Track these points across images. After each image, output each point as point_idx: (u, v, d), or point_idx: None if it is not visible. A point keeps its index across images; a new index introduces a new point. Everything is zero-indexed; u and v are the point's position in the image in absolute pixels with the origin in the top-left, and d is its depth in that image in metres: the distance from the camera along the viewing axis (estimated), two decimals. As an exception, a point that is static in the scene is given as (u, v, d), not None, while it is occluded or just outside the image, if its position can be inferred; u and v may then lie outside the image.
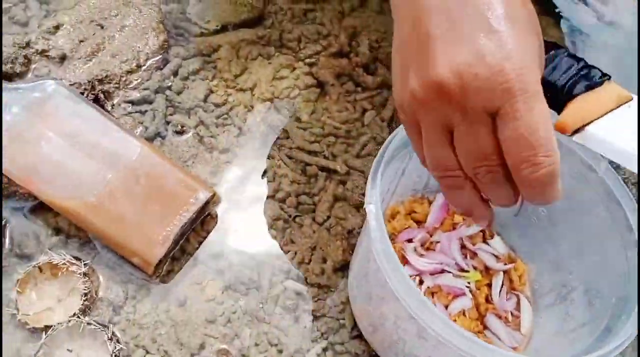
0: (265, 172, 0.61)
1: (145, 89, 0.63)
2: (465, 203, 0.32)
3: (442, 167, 0.31)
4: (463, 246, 0.52)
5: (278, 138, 0.64)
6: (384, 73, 0.70)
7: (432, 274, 0.49)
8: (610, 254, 0.42)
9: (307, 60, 0.71)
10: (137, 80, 0.64)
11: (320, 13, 0.76)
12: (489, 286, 0.51)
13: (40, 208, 0.54)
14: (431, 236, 0.52)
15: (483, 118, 0.27)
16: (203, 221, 0.56)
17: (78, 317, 0.47)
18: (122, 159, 0.50)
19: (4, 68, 0.61)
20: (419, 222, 0.54)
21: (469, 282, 0.50)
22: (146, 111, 0.62)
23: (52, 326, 0.46)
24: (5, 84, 0.51)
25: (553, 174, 0.28)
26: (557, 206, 0.47)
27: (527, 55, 0.27)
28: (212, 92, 0.66)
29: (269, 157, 0.62)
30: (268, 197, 0.59)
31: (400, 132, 0.41)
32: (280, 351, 0.50)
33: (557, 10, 0.79)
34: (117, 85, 0.63)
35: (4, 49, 0.62)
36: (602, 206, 0.43)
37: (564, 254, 0.48)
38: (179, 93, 0.64)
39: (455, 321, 0.47)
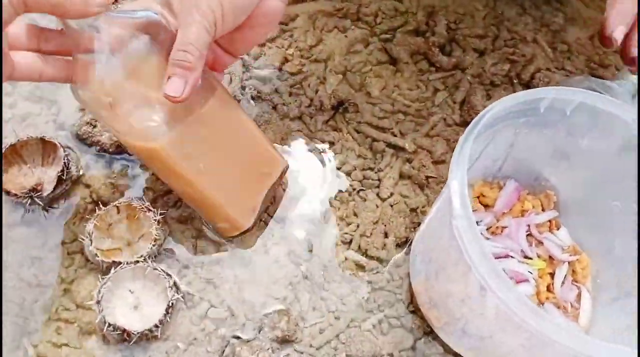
0: (332, 144, 0.61)
1: (223, 53, 0.65)
2: None
3: None
4: (529, 234, 0.52)
5: (347, 111, 0.64)
6: (459, 55, 0.69)
7: (497, 257, 0.49)
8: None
9: (383, 36, 0.71)
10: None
11: (399, -11, 0.75)
12: (552, 275, 0.50)
13: (120, 159, 0.57)
14: (498, 220, 0.52)
15: None
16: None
17: (145, 260, 0.49)
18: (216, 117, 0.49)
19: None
20: (487, 206, 0.53)
21: (531, 270, 0.50)
22: (224, 74, 0.64)
23: (120, 263, 0.49)
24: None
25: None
26: (631, 199, 0.47)
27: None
28: (287, 60, 0.67)
29: (337, 129, 0.63)
30: (334, 168, 0.60)
31: (492, 111, 0.41)
32: (337, 318, 0.51)
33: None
34: (197, 48, 0.65)
35: None
36: None
37: (631, 251, 0.47)
38: (256, 59, 0.66)
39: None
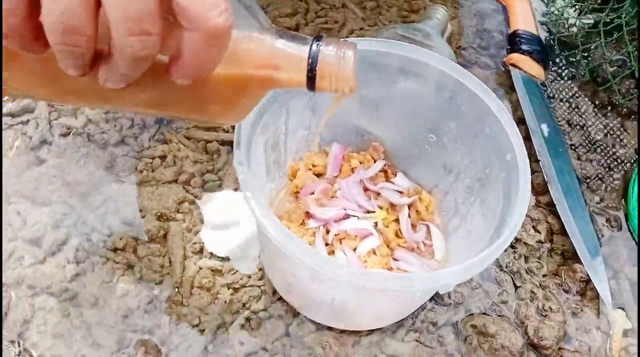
0: (163, 158, 0.59)
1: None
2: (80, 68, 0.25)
3: (71, 28, 0.23)
4: (367, 189, 0.52)
5: (173, 121, 0.62)
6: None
7: (336, 221, 0.49)
8: (494, 171, 0.43)
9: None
10: (14, 90, 0.61)
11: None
12: (398, 221, 0.51)
13: None
14: (332, 185, 0.52)
15: None
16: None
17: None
18: None
19: None
20: (321, 175, 0.53)
21: (376, 222, 0.49)
22: (28, 121, 0.60)
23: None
24: None
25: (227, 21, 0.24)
26: (446, 130, 0.48)
27: None
28: (98, 88, 0.63)
29: (167, 142, 0.60)
30: (170, 181, 0.57)
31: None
32: (202, 331, 0.49)
33: None
34: (-8, 100, 0.60)
35: None
36: (487, 127, 0.43)
37: (458, 175, 0.48)
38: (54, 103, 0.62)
39: (365, 261, 0.47)
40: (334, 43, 0.30)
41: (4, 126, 0.59)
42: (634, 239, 0.56)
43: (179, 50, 0.25)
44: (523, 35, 0.69)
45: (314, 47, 0.29)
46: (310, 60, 0.29)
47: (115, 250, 0.52)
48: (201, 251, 0.53)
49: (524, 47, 0.68)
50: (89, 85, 0.27)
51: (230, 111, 0.32)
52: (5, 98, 0.61)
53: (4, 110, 0.60)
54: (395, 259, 0.48)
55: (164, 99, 0.30)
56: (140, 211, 0.55)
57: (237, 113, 0.33)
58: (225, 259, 0.53)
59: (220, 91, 0.30)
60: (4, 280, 0.50)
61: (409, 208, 0.51)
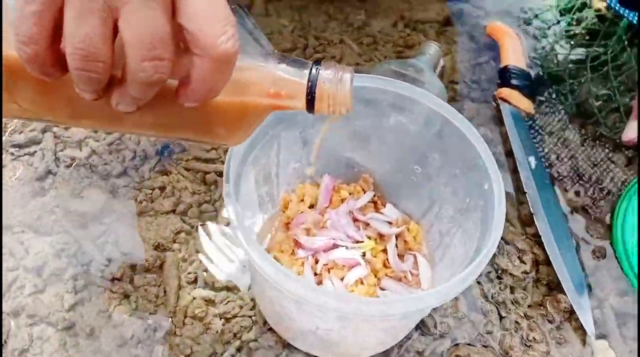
0: (162, 189, 0.61)
1: (31, 130, 0.63)
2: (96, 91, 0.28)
3: (91, 54, 0.25)
4: (356, 220, 0.53)
5: (174, 153, 0.64)
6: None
7: (325, 250, 0.50)
8: (473, 200, 0.44)
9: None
10: (21, 122, 0.64)
11: None
12: (386, 252, 0.52)
13: None
14: (323, 216, 0.53)
15: None
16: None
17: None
18: None
19: None
20: (313, 207, 0.55)
21: (364, 252, 0.51)
22: (35, 152, 0.62)
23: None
24: None
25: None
26: (430, 162, 0.49)
27: None
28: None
29: (167, 173, 0.63)
30: (168, 212, 0.59)
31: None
32: (194, 360, 0.50)
33: None
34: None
35: None
36: (468, 158, 0.45)
37: (442, 206, 0.50)
38: (67, 127, 0.65)
39: (353, 290, 0.48)
40: (332, 67, 0.32)
41: (10, 157, 0.62)
42: (621, 269, 0.56)
43: (188, 76, 0.27)
44: (513, 71, 0.71)
45: (314, 70, 0.31)
46: (309, 83, 0.31)
47: (112, 280, 0.54)
48: (195, 281, 0.55)
49: (513, 81, 0.70)
50: (101, 109, 0.29)
51: (234, 133, 0.34)
52: (10, 124, 0.64)
53: (12, 142, 0.62)
54: (382, 289, 0.49)
55: (171, 122, 0.32)
56: (138, 241, 0.57)
57: (240, 135, 0.35)
58: (219, 288, 0.54)
59: (226, 115, 0.32)
60: (4, 309, 0.52)
61: (397, 238, 0.52)
